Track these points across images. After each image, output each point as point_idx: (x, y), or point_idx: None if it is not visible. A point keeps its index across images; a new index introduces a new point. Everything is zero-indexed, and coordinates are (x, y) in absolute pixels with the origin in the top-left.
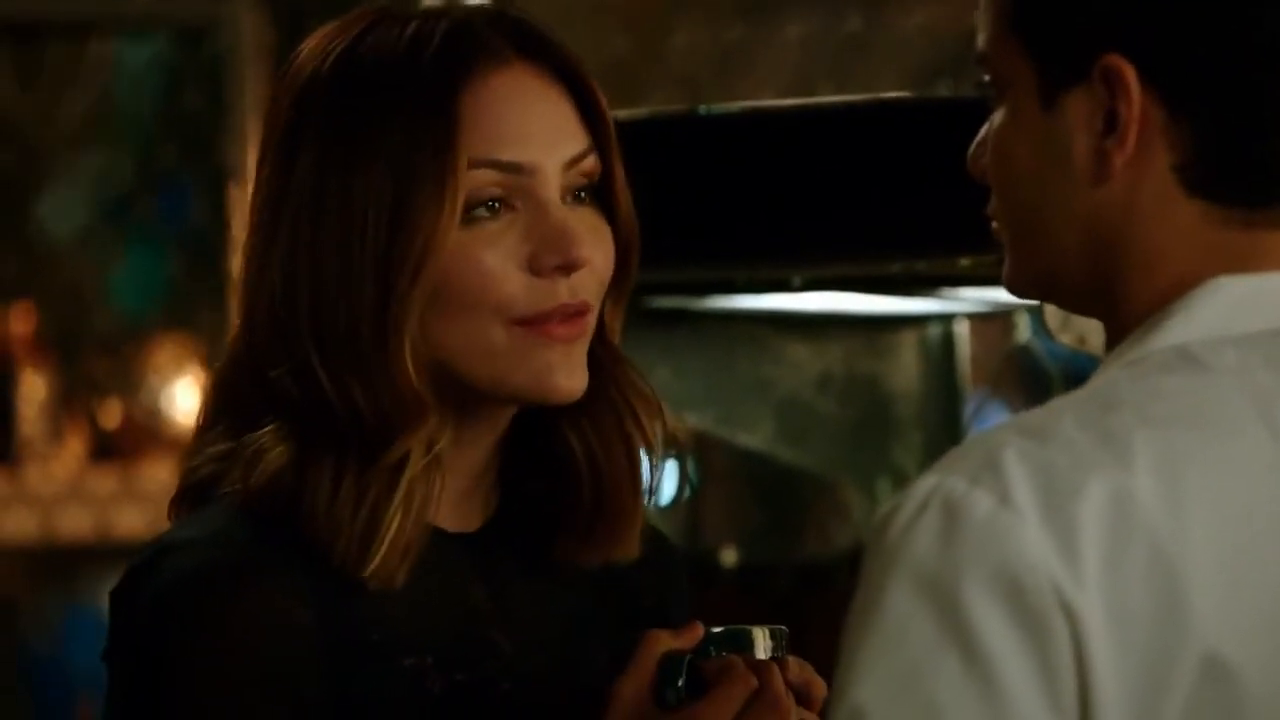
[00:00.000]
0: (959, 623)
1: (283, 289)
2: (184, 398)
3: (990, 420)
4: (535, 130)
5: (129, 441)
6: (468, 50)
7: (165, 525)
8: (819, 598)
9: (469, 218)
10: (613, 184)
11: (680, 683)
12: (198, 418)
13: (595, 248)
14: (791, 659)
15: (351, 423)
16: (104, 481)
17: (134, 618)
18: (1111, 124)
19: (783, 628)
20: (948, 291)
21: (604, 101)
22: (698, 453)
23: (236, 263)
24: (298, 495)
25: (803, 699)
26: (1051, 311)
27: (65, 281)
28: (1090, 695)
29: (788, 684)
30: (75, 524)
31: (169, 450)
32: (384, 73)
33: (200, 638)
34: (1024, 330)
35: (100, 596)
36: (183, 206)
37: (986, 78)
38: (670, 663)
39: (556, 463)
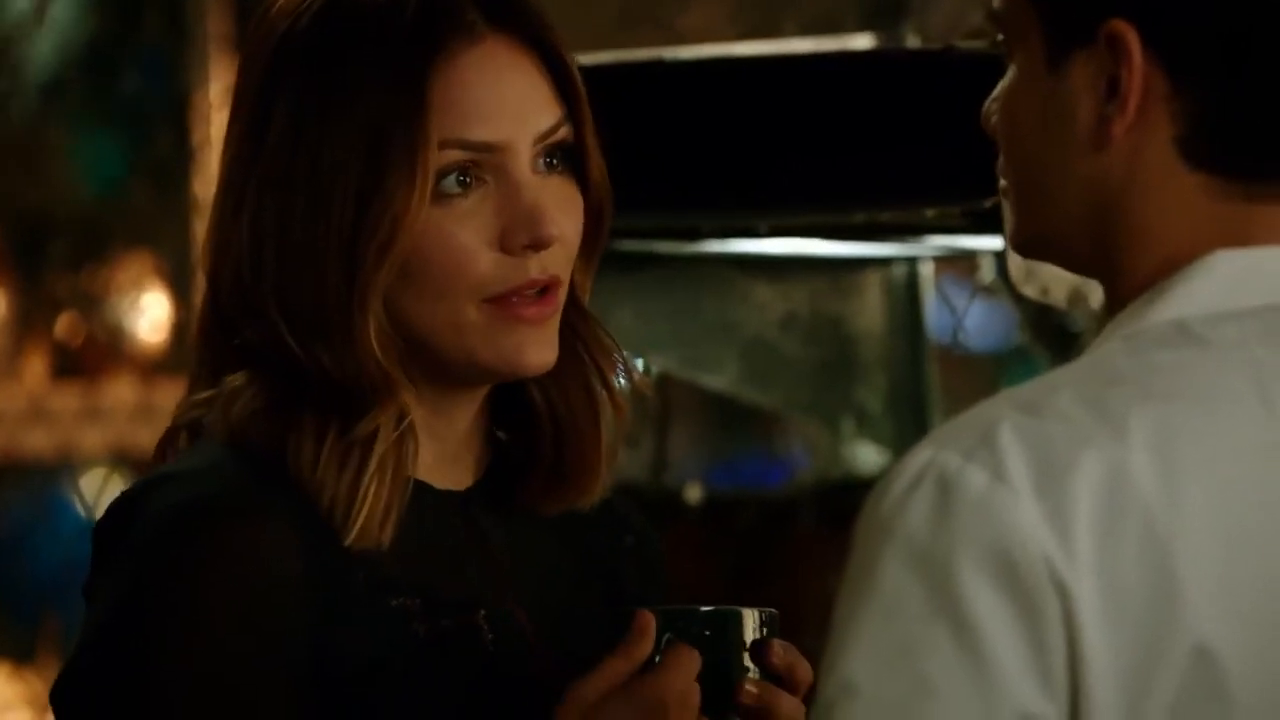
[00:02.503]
0: (951, 598)
1: (249, 255)
2: (146, 316)
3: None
4: (507, 106)
5: (91, 359)
6: (439, 27)
7: (127, 443)
8: (781, 534)
9: (439, 193)
10: (585, 149)
11: (655, 659)
12: (190, 368)
13: (565, 221)
14: (776, 642)
15: (326, 386)
16: (66, 399)
17: (120, 552)
18: (1113, 90)
19: (773, 610)
20: (913, 238)
21: (575, 68)
22: (662, 393)
23: (203, 190)
24: (280, 443)
25: (786, 683)
26: (1015, 261)
27: (27, 199)
28: (1081, 673)
29: (772, 668)
30: (37, 442)
31: (131, 368)
32: (356, 47)
33: (184, 578)
34: (988, 273)
35: (63, 514)
36: (146, 129)
37: (999, 35)
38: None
39: (522, 415)
